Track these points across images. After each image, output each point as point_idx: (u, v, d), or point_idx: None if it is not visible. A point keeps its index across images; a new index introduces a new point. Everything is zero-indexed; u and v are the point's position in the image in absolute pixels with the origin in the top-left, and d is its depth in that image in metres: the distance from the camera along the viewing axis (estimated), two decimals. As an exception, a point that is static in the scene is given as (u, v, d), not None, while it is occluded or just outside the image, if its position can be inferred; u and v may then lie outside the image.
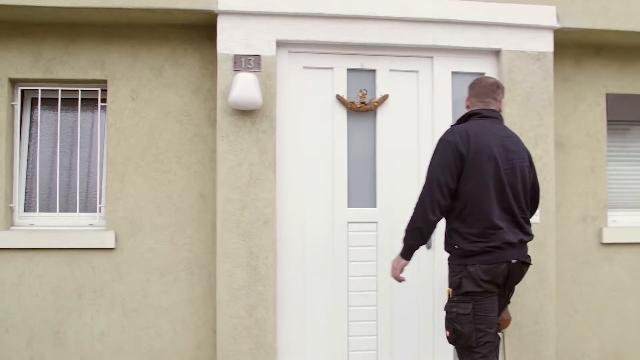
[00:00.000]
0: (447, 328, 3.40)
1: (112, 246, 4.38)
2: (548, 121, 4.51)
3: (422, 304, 4.47)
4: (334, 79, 4.42)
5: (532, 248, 4.37)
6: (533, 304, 4.45)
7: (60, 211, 4.52)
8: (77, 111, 4.57)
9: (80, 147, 4.57)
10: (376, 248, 4.44)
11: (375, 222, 4.44)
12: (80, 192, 4.54)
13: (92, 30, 4.44)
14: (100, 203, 4.54)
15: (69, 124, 4.59)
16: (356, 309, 4.41)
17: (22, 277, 4.35)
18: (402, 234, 3.51)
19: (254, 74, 4.15)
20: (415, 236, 3.43)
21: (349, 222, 4.42)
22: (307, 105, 4.40)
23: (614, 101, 5.01)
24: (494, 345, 3.37)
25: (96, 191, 4.57)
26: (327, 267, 4.38)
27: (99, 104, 4.57)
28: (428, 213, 3.35)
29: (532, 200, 3.64)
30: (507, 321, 4.14)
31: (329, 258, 4.39)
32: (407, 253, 3.52)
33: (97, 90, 4.55)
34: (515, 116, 4.46)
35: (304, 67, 4.39)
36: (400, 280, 3.58)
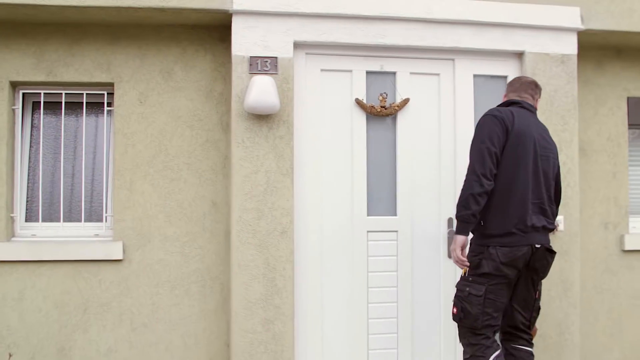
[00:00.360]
0: (455, 305, 3.47)
1: (120, 257, 4.16)
2: (572, 126, 4.37)
3: (444, 315, 4.30)
4: (353, 82, 4.23)
5: (556, 256, 4.27)
6: (557, 314, 4.31)
7: (64, 221, 4.29)
8: (82, 115, 4.35)
9: (85, 154, 4.34)
10: (396, 258, 4.26)
11: (396, 231, 4.27)
12: (85, 201, 4.32)
13: (97, 30, 4.21)
14: (106, 212, 4.32)
15: (72, 129, 4.36)
16: (376, 321, 4.23)
17: (25, 291, 4.11)
18: (454, 215, 3.60)
19: (271, 77, 3.96)
20: (469, 203, 3.34)
21: (368, 231, 4.24)
22: (325, 109, 4.22)
23: (633, 105, 4.88)
24: (496, 329, 3.42)
25: (102, 200, 4.34)
26: (346, 279, 4.20)
27: (105, 108, 4.34)
28: (481, 178, 3.33)
29: (556, 196, 3.68)
30: (534, 332, 4.01)
31: (348, 269, 4.21)
32: (463, 227, 3.42)
33: (103, 94, 4.32)
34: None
35: (322, 70, 4.20)
36: (463, 262, 3.45)
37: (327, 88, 4.22)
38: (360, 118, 4.24)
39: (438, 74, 4.34)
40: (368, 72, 4.25)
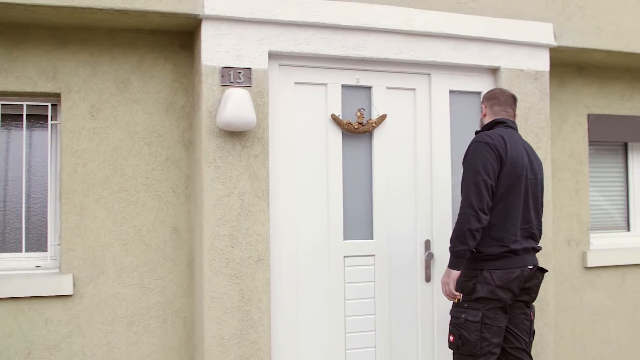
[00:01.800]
0: (451, 333, 3.36)
1: (70, 292, 3.64)
2: (546, 144, 4.30)
3: (422, 342, 4.10)
4: (328, 97, 3.94)
5: (531, 277, 4.18)
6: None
7: (-1, 251, 3.73)
8: (22, 130, 3.79)
9: (27, 174, 3.78)
10: (374, 284, 4.01)
11: (373, 255, 4.02)
12: (25, 228, 3.76)
13: (41, 33, 3.68)
14: (52, 241, 3.78)
15: (9, 146, 3.79)
16: (354, 351, 3.97)
17: (-46, 335, 3.53)
18: (447, 246, 3.41)
19: (246, 90, 3.60)
20: (466, 239, 3.25)
21: (345, 257, 3.96)
22: (299, 126, 3.90)
23: (593, 122, 4.90)
24: (496, 355, 3.31)
25: (45, 227, 3.80)
26: (323, 308, 3.90)
27: (50, 121, 3.81)
28: (479, 213, 3.25)
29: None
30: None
31: (325, 298, 3.91)
32: (457, 262, 3.34)
33: (47, 106, 3.79)
34: (515, 138, 4.21)
35: (296, 83, 3.88)
36: (455, 296, 3.37)
37: (301, 103, 3.91)
38: (336, 135, 3.96)
39: (414, 89, 4.13)
40: (344, 86, 3.98)
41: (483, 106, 3.67)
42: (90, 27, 3.72)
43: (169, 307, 3.85)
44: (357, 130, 3.96)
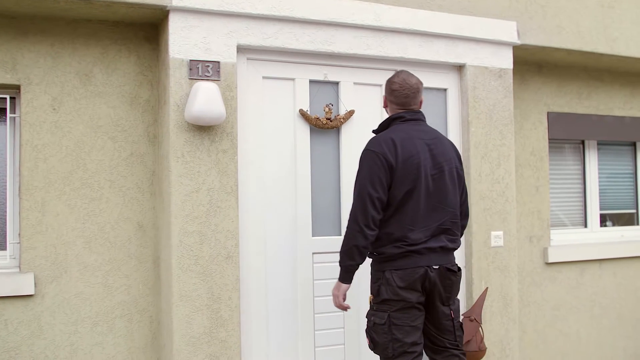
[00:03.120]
0: (367, 336, 3.30)
1: (31, 292, 3.50)
2: (510, 140, 4.36)
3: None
4: (296, 92, 3.91)
5: (496, 272, 4.25)
6: (498, 330, 4.27)
7: (-46, 251, 3.56)
8: (-22, 124, 3.64)
9: (-17, 169, 3.64)
10: (343, 280, 3.99)
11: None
12: (-19, 226, 3.62)
13: (0, 22, 3.53)
14: (11, 239, 3.63)
15: (-35, 140, 3.64)
16: (324, 349, 3.94)
17: None
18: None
19: (215, 84, 3.53)
20: (353, 255, 3.20)
21: (313, 253, 3.93)
22: (267, 121, 3.84)
23: (552, 120, 5.00)
24: (414, 355, 3.19)
25: (4, 224, 3.65)
26: (291, 306, 3.86)
27: (8, 114, 3.65)
28: (364, 229, 3.15)
29: (462, 205, 3.46)
30: (483, 352, 3.95)
31: (294, 294, 3.87)
32: (346, 276, 3.29)
33: (6, 98, 3.64)
34: (480, 135, 4.26)
35: (264, 77, 3.83)
36: (344, 308, 3.35)
37: (269, 97, 3.86)
38: (304, 130, 3.93)
39: (381, 85, 4.12)
40: (311, 81, 3.95)
41: (384, 97, 3.45)
42: (51, 16, 3.60)
43: (134, 307, 3.74)
44: (325, 126, 3.93)
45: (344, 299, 3.33)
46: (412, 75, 3.41)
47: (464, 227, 3.51)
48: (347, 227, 3.22)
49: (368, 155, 3.22)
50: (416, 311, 3.21)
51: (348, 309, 3.38)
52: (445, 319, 3.32)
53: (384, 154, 3.18)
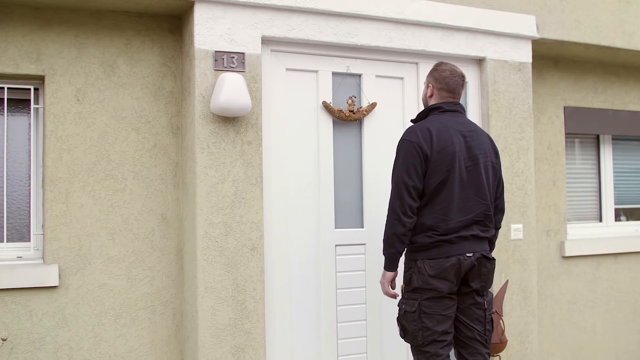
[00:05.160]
0: (398, 324, 3.33)
1: (55, 284, 3.49)
2: (529, 134, 4.37)
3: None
4: (319, 84, 3.91)
5: (516, 265, 4.26)
6: (518, 323, 4.27)
7: (-23, 242, 3.54)
8: (3, 114, 3.61)
9: (8, 160, 3.60)
10: (365, 273, 3.99)
11: (364, 244, 4.00)
12: (6, 218, 3.59)
13: (24, 12, 3.52)
14: (35, 230, 3.62)
15: (-12, 131, 3.62)
16: (346, 341, 3.93)
17: None
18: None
19: (240, 75, 3.52)
20: (394, 243, 3.24)
21: (336, 245, 3.93)
22: (291, 112, 3.84)
23: (568, 114, 5.01)
24: (444, 344, 3.21)
25: (27, 216, 3.63)
26: (314, 298, 3.86)
27: (32, 105, 3.64)
28: (401, 217, 3.19)
29: (498, 200, 3.46)
30: (504, 344, 3.94)
31: (317, 286, 3.87)
32: (390, 264, 3.32)
33: (29, 89, 3.62)
34: (500, 128, 4.26)
35: (287, 69, 3.83)
36: (393, 296, 3.37)
37: (292, 89, 3.85)
38: (327, 122, 3.92)
39: (402, 78, 4.14)
40: (334, 74, 3.95)
41: (430, 85, 3.41)
42: (75, 7, 3.59)
43: (157, 299, 3.73)
44: (348, 118, 3.93)
45: (394, 287, 3.37)
46: (456, 67, 3.44)
47: (498, 221, 3.50)
48: (387, 217, 3.25)
49: (404, 145, 3.25)
50: (448, 300, 3.22)
51: (397, 297, 3.37)
52: (477, 308, 3.32)
53: (419, 143, 3.19)
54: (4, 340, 3.29)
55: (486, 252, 3.31)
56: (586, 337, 4.98)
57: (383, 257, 3.33)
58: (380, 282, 3.39)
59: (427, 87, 3.44)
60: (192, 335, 3.57)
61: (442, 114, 3.33)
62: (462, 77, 3.41)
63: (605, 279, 5.08)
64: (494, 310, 3.91)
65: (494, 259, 3.36)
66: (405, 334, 3.27)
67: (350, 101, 3.94)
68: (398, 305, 3.33)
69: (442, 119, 3.30)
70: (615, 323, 5.12)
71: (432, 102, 3.42)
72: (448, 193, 3.20)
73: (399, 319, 3.30)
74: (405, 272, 3.32)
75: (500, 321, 3.92)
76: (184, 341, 3.74)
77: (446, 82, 3.37)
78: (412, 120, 3.46)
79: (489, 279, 3.35)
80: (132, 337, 3.67)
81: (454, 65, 3.43)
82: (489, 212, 3.32)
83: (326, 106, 3.90)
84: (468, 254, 3.22)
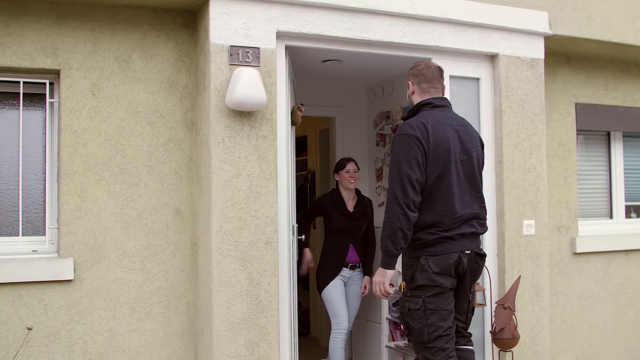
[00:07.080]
0: (401, 322, 3.30)
1: (70, 277, 3.50)
2: (541, 130, 4.38)
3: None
4: (332, 79, 3.93)
5: (527, 260, 4.26)
6: (530, 319, 4.28)
7: (-6, 236, 3.55)
8: (18, 108, 3.62)
9: (23, 154, 3.62)
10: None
11: (377, 239, 4.02)
12: (21, 211, 3.60)
13: (40, 6, 3.53)
14: (50, 224, 3.63)
15: (5, 125, 3.62)
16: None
17: (-53, 322, 3.34)
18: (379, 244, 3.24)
19: (255, 69, 3.53)
20: (397, 239, 3.12)
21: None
22: (304, 107, 3.87)
23: (580, 111, 5.01)
24: (449, 338, 3.20)
25: (42, 209, 3.64)
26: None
27: (47, 99, 3.65)
28: (406, 211, 3.10)
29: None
30: (516, 339, 3.95)
31: (330, 281, 3.89)
32: (389, 262, 3.22)
33: (45, 83, 3.63)
34: (512, 124, 4.27)
35: (301, 64, 3.86)
36: (389, 294, 3.31)
37: (307, 84, 3.88)
38: (341, 118, 3.95)
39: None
40: (348, 69, 3.98)
41: (410, 83, 3.41)
42: (91, 2, 3.61)
43: (171, 293, 3.74)
44: (362, 113, 3.95)
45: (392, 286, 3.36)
46: (431, 61, 3.44)
47: (486, 214, 3.46)
48: (386, 213, 3.15)
49: (402, 139, 3.19)
50: (450, 295, 3.23)
51: (392, 295, 3.36)
52: (465, 302, 3.36)
53: (417, 136, 3.15)
54: (29, 329, 3.32)
55: (479, 250, 3.33)
56: (597, 333, 4.98)
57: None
58: (378, 281, 3.29)
59: (408, 87, 3.43)
60: (207, 329, 3.57)
61: (433, 110, 3.32)
62: (438, 68, 3.41)
63: (616, 275, 5.08)
64: (505, 305, 3.92)
65: (485, 255, 3.38)
66: (410, 331, 3.24)
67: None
68: (400, 304, 3.30)
69: (434, 114, 3.29)
70: (625, 320, 5.13)
71: (415, 98, 3.40)
72: (447, 188, 3.18)
73: (402, 318, 3.28)
74: (406, 270, 3.28)
75: (513, 316, 3.92)
76: (198, 335, 3.75)
77: (422, 73, 3.37)
78: (402, 118, 3.43)
79: (478, 274, 3.39)
80: (146, 331, 3.67)
81: (429, 61, 3.44)
82: (484, 204, 3.36)
83: (340, 101, 3.92)
84: (467, 252, 3.25)
